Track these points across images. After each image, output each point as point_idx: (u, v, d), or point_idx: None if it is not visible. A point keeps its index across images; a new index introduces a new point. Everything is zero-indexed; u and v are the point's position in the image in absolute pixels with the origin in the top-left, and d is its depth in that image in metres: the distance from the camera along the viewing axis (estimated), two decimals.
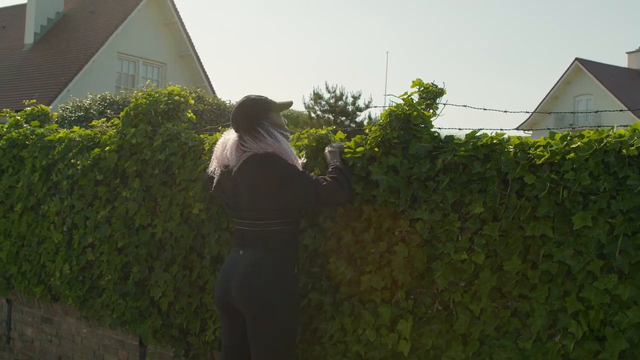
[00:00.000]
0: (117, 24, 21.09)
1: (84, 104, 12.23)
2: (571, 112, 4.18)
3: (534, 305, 2.65)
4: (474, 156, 2.88)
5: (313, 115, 23.98)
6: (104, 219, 4.47)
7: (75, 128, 4.97)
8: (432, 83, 3.34)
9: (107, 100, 12.36)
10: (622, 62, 39.49)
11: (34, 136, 5.22)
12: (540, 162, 2.68)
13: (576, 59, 36.54)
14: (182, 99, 4.38)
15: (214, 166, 3.26)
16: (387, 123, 3.14)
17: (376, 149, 3.14)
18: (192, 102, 4.55)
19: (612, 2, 78.11)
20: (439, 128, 3.19)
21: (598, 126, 2.80)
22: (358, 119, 24.34)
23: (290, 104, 3.35)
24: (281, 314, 3.02)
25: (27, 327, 5.46)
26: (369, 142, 3.19)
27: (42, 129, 5.28)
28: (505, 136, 2.89)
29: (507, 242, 2.73)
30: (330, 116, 23.96)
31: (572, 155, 2.61)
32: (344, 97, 24.33)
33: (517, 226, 2.70)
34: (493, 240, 2.76)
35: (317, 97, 24.24)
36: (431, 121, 3.17)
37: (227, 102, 12.90)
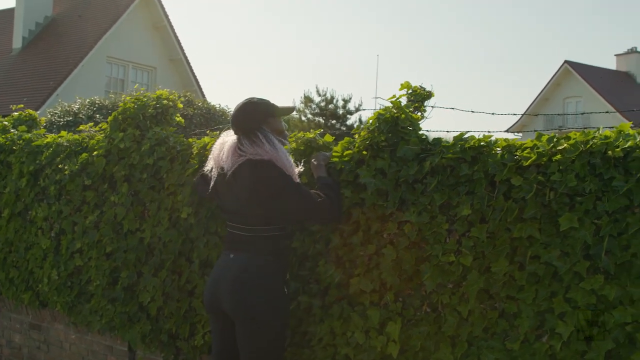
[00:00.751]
0: (107, 28, 21.03)
1: (72, 109, 12.17)
2: (558, 114, 4.21)
3: (522, 307, 2.66)
4: (461, 158, 2.89)
5: (304, 118, 24.03)
6: (92, 224, 4.45)
7: (63, 133, 4.95)
8: (420, 86, 3.36)
9: (96, 105, 12.31)
10: (611, 64, 39.73)
11: (21, 141, 5.19)
12: (527, 164, 2.69)
13: (565, 61, 36.71)
14: (170, 103, 4.37)
15: (210, 166, 3.24)
16: (375, 126, 3.15)
17: (364, 152, 3.15)
18: (181, 106, 4.54)
19: (601, 4, 78.62)
20: (428, 130, 3.21)
21: (584, 128, 2.82)
22: (349, 122, 24.42)
23: (292, 109, 3.36)
24: (270, 319, 3.01)
25: (15, 334, 5.42)
26: (357, 145, 3.20)
27: (29, 134, 5.25)
28: (493, 138, 2.91)
29: (495, 243, 2.74)
30: (321, 119, 24.03)
31: (558, 157, 2.63)
32: (334, 100, 24.42)
33: (505, 228, 2.72)
34: (481, 242, 2.77)
35: (307, 100, 24.31)
36: (419, 124, 3.19)
37: (217, 106, 12.87)
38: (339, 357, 3.15)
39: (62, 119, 11.74)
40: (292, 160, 3.12)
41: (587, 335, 2.51)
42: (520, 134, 31.51)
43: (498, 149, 2.86)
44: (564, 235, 2.57)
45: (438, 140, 3.06)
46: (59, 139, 4.90)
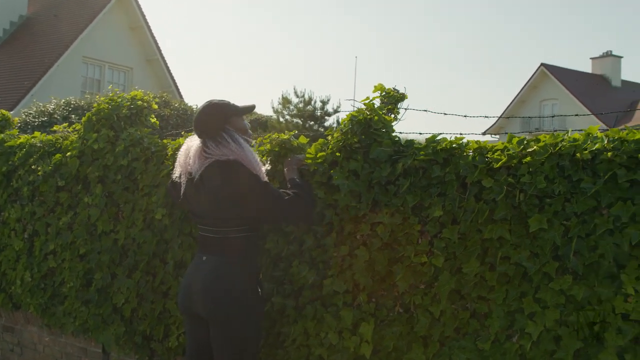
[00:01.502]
0: (82, 28, 20.86)
1: (47, 109, 12.06)
2: (530, 117, 4.26)
3: (492, 307, 2.69)
4: (433, 160, 2.92)
5: (282, 119, 23.96)
6: (66, 225, 4.42)
7: (37, 133, 4.91)
8: (393, 88, 3.37)
9: (72, 105, 12.20)
10: (587, 67, 40.22)
11: None
12: (498, 165, 2.73)
13: (542, 64, 37.10)
14: (145, 103, 4.36)
15: (178, 172, 3.24)
16: (349, 128, 3.16)
17: (338, 154, 3.17)
18: (156, 107, 4.52)
19: (577, 8, 79.51)
20: (401, 132, 3.22)
21: (554, 130, 2.86)
22: (327, 124, 24.39)
23: (252, 107, 3.33)
24: (244, 320, 3.02)
25: None
26: (330, 147, 3.22)
27: (2, 135, 5.20)
28: (465, 140, 2.94)
29: (466, 244, 2.77)
30: (299, 120, 23.97)
31: (528, 159, 2.66)
32: (312, 102, 24.35)
33: (476, 229, 2.75)
34: (452, 243, 2.80)
35: (285, 101, 24.23)
36: (392, 126, 3.21)
37: (194, 106, 12.84)
38: (313, 357, 3.16)
39: (36, 120, 11.63)
40: (258, 159, 3.12)
41: (556, 334, 2.55)
42: (498, 137, 31.77)
43: (470, 151, 2.89)
44: (533, 236, 2.61)
45: (410, 142, 3.08)
46: (32, 139, 4.85)
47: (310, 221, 3.17)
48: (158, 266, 3.87)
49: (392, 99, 3.33)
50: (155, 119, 4.45)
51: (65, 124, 4.92)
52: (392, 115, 3.29)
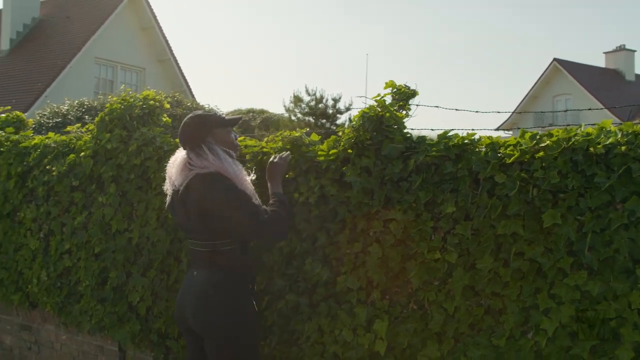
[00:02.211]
0: (94, 29, 20.98)
1: (61, 110, 12.12)
2: (542, 112, 4.24)
3: (507, 303, 2.68)
4: (445, 156, 2.92)
5: (293, 118, 23.96)
6: (81, 224, 4.45)
7: (51, 134, 4.95)
8: (404, 84, 3.37)
9: (85, 106, 12.26)
10: (600, 62, 39.91)
11: (8, 143, 5.18)
12: (510, 161, 2.72)
13: (554, 59, 36.88)
14: (157, 103, 4.38)
15: (166, 185, 3.23)
16: (360, 125, 3.16)
17: (349, 151, 3.17)
18: (168, 106, 4.55)
19: (590, 2, 78.96)
20: (412, 129, 3.22)
21: (567, 125, 2.85)
22: (339, 122, 24.36)
23: (238, 119, 3.31)
24: (237, 335, 3.00)
25: (6, 335, 5.41)
26: (342, 143, 3.22)
27: (17, 136, 5.24)
28: (477, 136, 2.93)
29: (479, 240, 2.76)
30: (311, 119, 23.97)
31: (541, 154, 2.65)
32: (324, 100, 24.34)
33: (489, 225, 2.74)
34: (465, 239, 2.79)
35: (297, 99, 24.23)
36: (404, 122, 3.20)
37: (207, 105, 12.88)
38: (327, 354, 3.17)
39: (51, 121, 11.69)
40: (239, 169, 3.08)
41: (571, 331, 2.54)
42: (511, 132, 31.64)
43: (482, 146, 2.88)
44: (547, 231, 2.60)
45: (422, 139, 3.08)
46: (47, 140, 4.89)
47: (285, 237, 3.15)
48: (172, 264, 3.89)
49: (404, 96, 3.32)
50: (168, 118, 4.47)
51: (79, 125, 4.96)
52: (404, 112, 3.28)
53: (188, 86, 23.06)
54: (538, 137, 2.73)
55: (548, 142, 2.66)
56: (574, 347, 2.52)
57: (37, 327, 5.10)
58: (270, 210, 3.04)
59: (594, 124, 2.71)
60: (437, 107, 3.49)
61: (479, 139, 2.92)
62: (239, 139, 3.53)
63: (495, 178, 2.73)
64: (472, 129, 2.99)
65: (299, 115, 24.42)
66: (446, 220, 2.85)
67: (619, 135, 2.54)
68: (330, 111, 24.55)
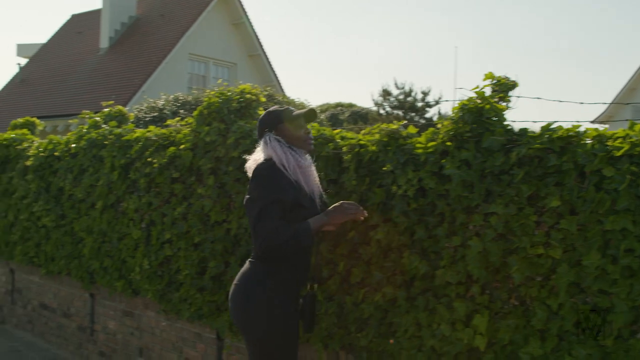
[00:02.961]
0: (188, 26, 21.54)
1: (157, 105, 12.55)
2: None
3: (615, 301, 2.58)
4: (549, 149, 2.83)
5: (382, 111, 23.89)
6: (181, 215, 4.59)
7: (151, 127, 5.12)
8: (504, 76, 3.30)
9: (180, 101, 12.65)
10: None
11: (112, 136, 5.40)
12: (619, 154, 2.61)
13: None
14: (253, 97, 4.46)
15: None
16: (460, 117, 3.12)
17: (448, 143, 3.13)
18: (264, 99, 4.62)
19: None
20: (512, 121, 3.14)
21: None
22: (427, 115, 24.11)
23: (302, 115, 3.17)
24: (261, 332, 2.96)
25: (110, 320, 5.66)
26: (440, 136, 3.18)
27: (119, 129, 5.46)
28: (582, 128, 2.83)
29: (586, 236, 2.67)
30: (400, 112, 23.83)
31: None
32: (412, 93, 24.15)
33: (596, 220, 2.64)
34: (570, 235, 2.70)
35: (385, 93, 24.15)
36: (504, 114, 3.13)
37: (297, 100, 13.02)
38: (425, 348, 3.15)
39: (148, 115, 12.12)
40: (294, 160, 3.02)
41: None
42: (607, 125, 30.36)
43: (587, 139, 2.78)
44: None
45: (524, 131, 3.00)
46: (148, 133, 5.07)
47: (266, 254, 2.94)
48: None
49: (503, 87, 3.25)
50: (263, 111, 4.54)
51: (178, 118, 5.11)
52: (504, 104, 3.21)
53: (278, 81, 23.36)
54: None
55: None
56: None
57: (139, 313, 5.31)
58: (291, 229, 2.92)
59: None
60: (538, 98, 3.39)
61: (585, 132, 2.82)
62: (322, 130, 3.56)
63: (603, 171, 2.63)
64: (573, 121, 2.88)
65: (388, 108, 24.33)
66: (550, 215, 2.77)
67: None
68: (419, 104, 24.32)
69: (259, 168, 3.01)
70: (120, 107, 6.07)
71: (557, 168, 2.79)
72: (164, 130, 4.96)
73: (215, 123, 4.36)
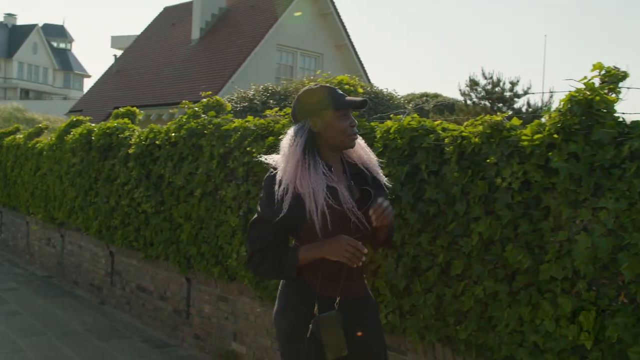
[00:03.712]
0: (277, 17, 21.84)
1: (248, 95, 12.81)
2: None
3: None
4: None
5: (469, 102, 23.48)
6: None
7: (249, 118, 5.23)
8: (614, 66, 3.19)
9: (270, 91, 12.87)
10: None
11: (211, 126, 5.55)
12: None
13: None
14: (351, 87, 4.48)
15: None
16: (568, 109, 3.04)
17: (555, 136, 3.06)
18: (361, 90, 4.64)
19: None
20: (623, 113, 3.05)
21: None
22: (516, 106, 23.52)
23: (358, 102, 2.67)
24: (280, 343, 2.82)
25: (205, 305, 5.84)
26: (547, 128, 3.11)
27: (218, 119, 5.60)
28: None
29: None
30: (487, 103, 23.34)
31: None
32: (501, 83, 23.60)
33: None
34: None
35: (473, 83, 23.68)
36: (614, 106, 3.04)
37: (384, 90, 12.99)
38: (527, 344, 3.10)
39: (238, 105, 12.40)
40: (294, 168, 2.60)
41: None
42: None
43: None
44: None
45: (637, 124, 2.90)
46: (246, 123, 5.18)
47: (249, 267, 2.82)
48: None
49: (613, 78, 3.14)
50: None
51: (277, 109, 5.19)
52: (614, 95, 3.11)
53: (364, 71, 23.36)
54: None
55: None
56: None
57: (234, 299, 5.45)
58: (268, 249, 2.69)
59: None
60: None
61: None
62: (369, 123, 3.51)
63: None
64: None
65: (475, 99, 23.87)
66: None
67: None
68: (508, 95, 23.74)
69: (265, 177, 2.75)
70: (217, 97, 6.23)
71: None
72: (262, 121, 5.06)
73: None
